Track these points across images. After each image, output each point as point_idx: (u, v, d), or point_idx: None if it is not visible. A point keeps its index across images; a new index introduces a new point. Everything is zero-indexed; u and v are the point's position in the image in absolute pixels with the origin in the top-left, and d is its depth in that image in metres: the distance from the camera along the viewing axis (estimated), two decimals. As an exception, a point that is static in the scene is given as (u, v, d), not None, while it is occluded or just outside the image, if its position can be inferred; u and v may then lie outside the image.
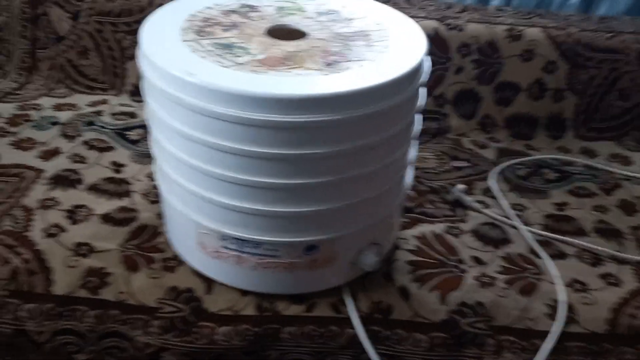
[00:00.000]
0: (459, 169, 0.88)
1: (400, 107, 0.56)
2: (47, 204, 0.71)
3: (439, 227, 0.75)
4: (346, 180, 0.56)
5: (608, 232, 0.76)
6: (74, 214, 0.71)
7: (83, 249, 0.66)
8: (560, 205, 0.81)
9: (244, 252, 0.59)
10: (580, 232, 0.76)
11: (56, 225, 0.68)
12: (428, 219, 0.76)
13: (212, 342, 0.61)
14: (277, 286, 0.62)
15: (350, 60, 0.55)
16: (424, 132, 0.99)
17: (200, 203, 0.58)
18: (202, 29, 0.60)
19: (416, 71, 0.56)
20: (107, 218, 0.71)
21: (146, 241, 0.68)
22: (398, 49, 0.58)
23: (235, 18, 0.63)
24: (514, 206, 0.80)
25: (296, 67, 0.54)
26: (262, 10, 0.66)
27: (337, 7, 0.67)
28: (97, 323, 0.61)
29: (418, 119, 0.64)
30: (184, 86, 0.51)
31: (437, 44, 0.98)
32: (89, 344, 0.61)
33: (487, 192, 0.83)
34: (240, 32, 0.60)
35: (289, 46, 0.58)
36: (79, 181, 0.77)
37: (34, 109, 0.93)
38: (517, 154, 0.93)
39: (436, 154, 0.91)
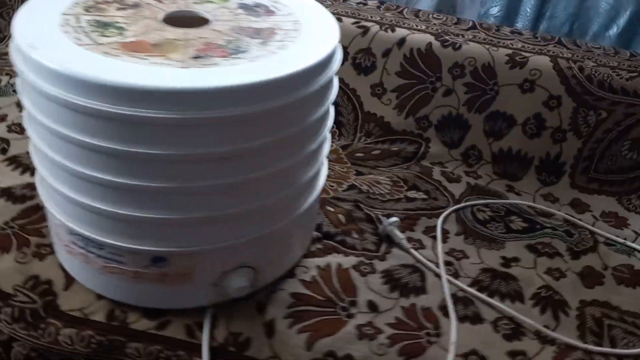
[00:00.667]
0: (411, 200, 0.79)
1: (267, 116, 0.48)
2: (-44, 170, 0.71)
3: (350, 261, 0.66)
4: (200, 189, 0.50)
5: (550, 303, 0.64)
6: (-26, 184, 0.70)
7: (-37, 221, 0.64)
8: (509, 261, 0.70)
9: (90, 252, 0.54)
10: (515, 296, 0.64)
11: (-50, 193, 0.67)
12: (344, 249, 0.68)
13: (56, 343, 0.57)
14: (127, 295, 0.57)
15: (226, 57, 0.49)
16: (395, 154, 0.90)
17: (50, 191, 0.54)
18: (97, 4, 0.55)
19: (291, 78, 0.48)
20: (6, 192, 0.69)
21: (33, 222, 0.65)
22: (294, 51, 0.51)
23: (144, -2, 0.59)
24: (453, 252, 0.70)
25: (159, 56, 0.48)
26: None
27: (267, 2, 0.61)
28: (-51, 300, 0.59)
29: (330, 113, 0.56)
30: (25, 59, 0.47)
31: (427, 61, 0.88)
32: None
33: (431, 231, 0.73)
34: (136, 13, 0.55)
35: (173, 33, 0.52)
36: (3, 151, 0.76)
37: (8, 74, 0.94)
38: (490, 195, 0.82)
39: (394, 180, 0.82)
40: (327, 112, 0.57)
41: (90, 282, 0.58)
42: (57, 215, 0.54)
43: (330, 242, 0.69)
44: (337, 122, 0.93)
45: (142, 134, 0.46)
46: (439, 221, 0.74)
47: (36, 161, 0.54)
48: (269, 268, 0.60)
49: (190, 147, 0.47)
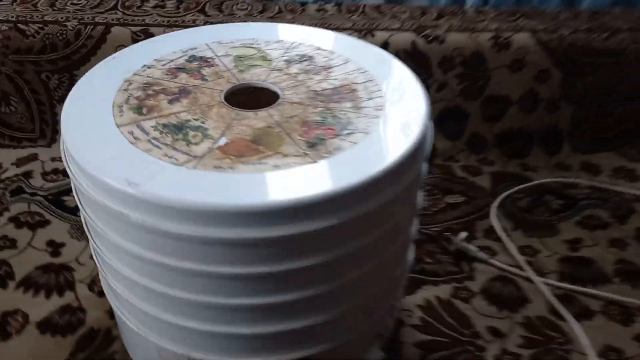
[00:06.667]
0: (454, 206, 0.78)
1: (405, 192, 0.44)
2: (-31, 316, 0.58)
3: (444, 290, 0.64)
4: (334, 290, 0.44)
5: (632, 276, 0.67)
6: (6, 326, 0.57)
7: (19, 377, 0.53)
8: (573, 244, 0.72)
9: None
10: (602, 279, 0.66)
11: (-18, 347, 0.55)
12: (430, 278, 0.66)
13: None
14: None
15: (338, 136, 0.43)
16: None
17: (159, 324, 0.46)
18: (142, 101, 0.46)
19: (421, 142, 0.44)
20: (47, 325, 0.58)
21: (98, 350, 0.56)
22: (394, 110, 0.46)
23: (184, 79, 0.50)
24: (523, 250, 0.70)
25: (272, 155, 0.40)
26: (216, 62, 0.53)
27: (309, 50, 0.55)
28: None
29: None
30: (124, 198, 0.38)
31: (416, 60, 0.86)
32: None
33: (491, 233, 0.73)
34: (193, 100, 0.47)
35: (257, 119, 0.45)
36: (10, 275, 0.63)
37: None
38: (514, 178, 0.83)
39: (427, 189, 0.81)
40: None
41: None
42: (172, 347, 0.46)
43: (412, 274, 0.66)
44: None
45: (290, 250, 0.39)
46: (494, 220, 0.74)
47: (137, 301, 0.45)
48: (388, 328, 0.56)
49: (340, 248, 0.41)
